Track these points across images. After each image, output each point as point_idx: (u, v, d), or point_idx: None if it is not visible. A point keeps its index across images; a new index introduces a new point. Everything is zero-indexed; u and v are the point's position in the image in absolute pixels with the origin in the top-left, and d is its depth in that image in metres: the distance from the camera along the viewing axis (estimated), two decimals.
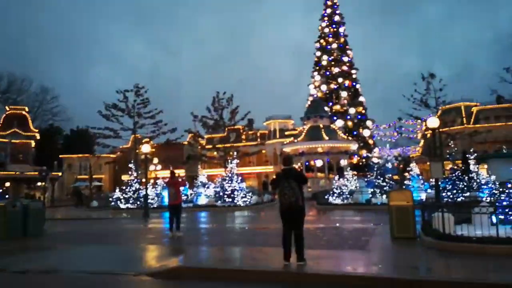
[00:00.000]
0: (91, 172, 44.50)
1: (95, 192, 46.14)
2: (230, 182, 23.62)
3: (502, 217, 9.57)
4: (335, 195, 22.42)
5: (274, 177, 7.68)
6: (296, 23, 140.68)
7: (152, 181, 28.82)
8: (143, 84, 31.04)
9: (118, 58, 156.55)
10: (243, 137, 50.61)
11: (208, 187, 27.31)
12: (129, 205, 25.35)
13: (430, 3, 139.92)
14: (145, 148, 21.73)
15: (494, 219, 9.78)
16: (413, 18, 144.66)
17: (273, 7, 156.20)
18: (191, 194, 27.49)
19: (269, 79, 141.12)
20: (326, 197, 23.30)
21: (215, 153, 36.86)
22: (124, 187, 26.42)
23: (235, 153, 31.00)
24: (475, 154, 27.74)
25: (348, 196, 22.43)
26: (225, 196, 23.52)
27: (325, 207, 21.87)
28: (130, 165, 26.60)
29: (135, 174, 26.25)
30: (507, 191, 10.34)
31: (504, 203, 9.82)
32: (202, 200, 26.04)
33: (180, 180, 13.54)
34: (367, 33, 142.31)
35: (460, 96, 45.26)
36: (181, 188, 13.30)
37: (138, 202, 25.03)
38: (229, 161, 25.18)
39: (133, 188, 25.57)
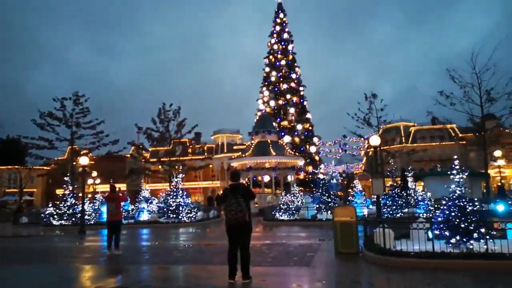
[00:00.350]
0: (22, 185, 41.23)
1: (25, 207, 42.72)
2: (175, 197, 22.87)
3: (437, 232, 9.95)
4: (282, 211, 22.47)
5: (221, 192, 7.53)
6: (251, 37, 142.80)
7: (89, 195, 27.20)
8: (85, 92, 29.60)
9: (62, 63, 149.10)
10: (190, 150, 49.77)
11: (151, 202, 26.27)
12: (63, 222, 23.62)
13: (380, 25, 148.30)
14: (83, 160, 20.45)
15: (430, 234, 10.17)
16: (363, 38, 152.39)
17: (230, 19, 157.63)
18: (132, 209, 26.29)
19: (223, 91, 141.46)
20: (273, 213, 23.28)
21: (159, 166, 35.73)
22: (58, 202, 24.62)
23: (180, 167, 30.23)
24: (413, 172, 29.32)
25: (295, 212, 22.57)
26: (169, 212, 22.70)
27: (272, 223, 21.81)
28: (66, 178, 24.94)
29: (71, 188, 24.62)
30: (441, 207, 10.80)
31: (439, 219, 10.23)
32: (145, 216, 24.95)
33: (120, 194, 12.79)
34: (319, 52, 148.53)
35: (400, 116, 47.97)
36: (122, 203, 12.56)
37: (74, 219, 23.42)
38: (174, 175, 24.42)
39: (68, 203, 23.90)
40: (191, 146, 49.13)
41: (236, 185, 7.20)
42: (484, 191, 27.57)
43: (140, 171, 39.03)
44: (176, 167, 31.45)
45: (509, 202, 20.02)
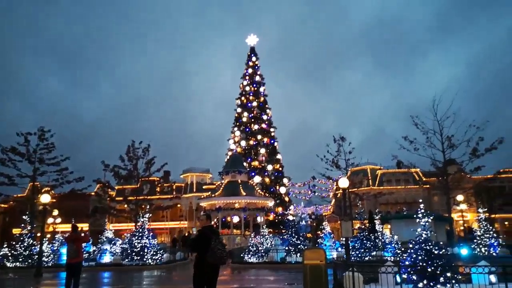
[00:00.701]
0: None
1: None
2: (140, 238, 22.01)
3: (405, 276, 10.00)
4: (251, 253, 22.02)
5: (197, 235, 7.54)
6: (228, 77, 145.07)
7: (49, 235, 25.77)
8: (53, 127, 28.68)
9: (31, 96, 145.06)
10: (158, 189, 48.68)
11: (114, 243, 25.13)
12: (18, 264, 22.10)
13: (351, 71, 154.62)
14: (45, 198, 19.52)
15: (398, 278, 10.21)
16: (335, 84, 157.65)
17: (208, 60, 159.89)
18: (94, 251, 25.02)
19: (197, 131, 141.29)
20: (241, 255, 22.77)
21: (125, 205, 34.58)
22: (14, 243, 23.12)
23: (148, 206, 29.38)
24: (380, 215, 29.74)
25: (264, 254, 22.17)
26: (134, 253, 21.74)
27: (241, 265, 21.26)
28: (25, 217, 23.62)
29: (29, 228, 23.28)
30: (408, 251, 10.93)
31: (407, 262, 10.33)
32: (107, 258, 23.75)
33: (82, 234, 12.20)
34: (292, 96, 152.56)
35: (367, 159, 49.22)
36: (83, 244, 11.95)
37: (30, 260, 21.97)
38: (141, 214, 23.64)
39: (25, 244, 22.49)
40: (159, 185, 48.11)
41: (210, 226, 7.43)
42: (448, 235, 28.22)
43: (105, 210, 37.56)
44: (143, 206, 30.54)
45: (472, 246, 20.54)
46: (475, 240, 20.80)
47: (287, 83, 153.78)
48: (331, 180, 32.92)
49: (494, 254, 19.56)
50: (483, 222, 21.01)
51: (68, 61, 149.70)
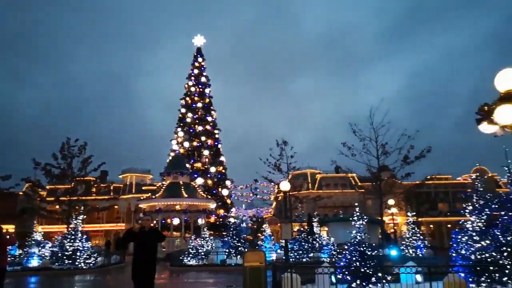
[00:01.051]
0: None
1: None
2: (72, 240, 20.82)
3: (340, 276, 10.44)
4: (190, 255, 21.72)
5: (128, 233, 7.55)
6: (177, 77, 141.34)
7: None
8: None
9: None
10: (94, 190, 46.39)
11: (43, 246, 23.57)
12: None
13: (304, 78, 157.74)
14: None
15: (333, 279, 10.63)
16: (287, 89, 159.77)
17: (159, 60, 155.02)
18: (20, 254, 23.26)
19: (142, 131, 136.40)
20: (180, 257, 22.38)
21: (57, 206, 32.50)
22: None
23: (82, 207, 27.85)
24: (318, 217, 30.77)
25: (204, 256, 21.98)
26: (65, 257, 20.51)
27: (179, 268, 20.89)
28: None
29: None
30: (344, 252, 11.43)
31: (342, 263, 10.78)
32: (35, 262, 22.17)
33: (7, 237, 11.29)
34: (243, 99, 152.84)
35: (308, 163, 50.70)
36: (8, 248, 11.07)
37: None
38: (74, 216, 22.38)
39: None
40: (95, 185, 45.84)
41: (144, 226, 7.36)
42: (380, 236, 29.91)
43: (34, 210, 35.09)
44: (77, 207, 28.89)
45: (401, 248, 21.93)
46: (403, 242, 22.24)
47: (239, 87, 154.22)
48: (272, 183, 33.47)
49: (420, 255, 21.04)
50: (411, 225, 22.55)
51: (9, 55, 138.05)
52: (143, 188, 49.27)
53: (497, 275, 9.41)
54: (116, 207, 47.86)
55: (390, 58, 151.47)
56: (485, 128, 5.04)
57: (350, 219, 11.56)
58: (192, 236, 25.40)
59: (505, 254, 9.74)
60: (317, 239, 24.72)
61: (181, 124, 44.87)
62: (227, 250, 22.45)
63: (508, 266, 9.40)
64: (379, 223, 29.49)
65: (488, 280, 9.46)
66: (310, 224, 27.12)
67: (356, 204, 13.54)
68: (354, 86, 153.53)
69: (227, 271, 19.17)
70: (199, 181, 39.85)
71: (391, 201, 30.25)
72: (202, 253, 22.02)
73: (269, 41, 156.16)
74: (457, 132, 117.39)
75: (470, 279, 9.72)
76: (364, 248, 10.47)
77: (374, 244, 12.58)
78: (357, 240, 10.66)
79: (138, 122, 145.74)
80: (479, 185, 11.50)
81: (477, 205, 10.97)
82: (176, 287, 13.62)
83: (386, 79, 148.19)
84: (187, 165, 38.59)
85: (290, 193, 30.35)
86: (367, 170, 26.90)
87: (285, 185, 17.80)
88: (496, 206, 10.90)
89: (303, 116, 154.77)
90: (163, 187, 34.64)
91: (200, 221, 34.22)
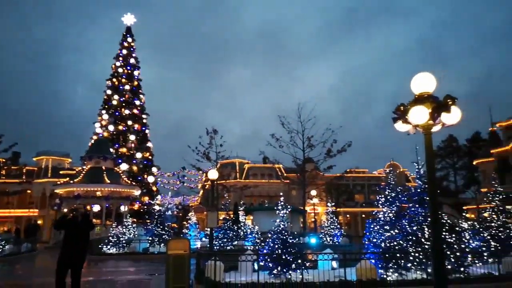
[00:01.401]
0: None
1: None
2: None
3: (262, 264, 10.77)
4: (111, 244, 20.88)
5: (62, 218, 7.65)
6: (107, 58, 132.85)
7: None
8: None
9: None
10: (3, 172, 42.38)
11: None
12: None
13: (241, 68, 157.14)
14: None
15: (256, 266, 10.93)
16: (225, 79, 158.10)
17: (90, 39, 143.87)
18: None
19: (67, 112, 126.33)
20: (99, 246, 21.40)
21: None
22: None
23: None
24: (244, 206, 31.32)
25: (125, 245, 21.26)
26: None
27: (99, 257, 19.97)
28: None
29: None
30: (267, 240, 11.80)
31: (265, 251, 11.12)
32: None
33: None
34: (181, 85, 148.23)
35: (236, 153, 51.12)
36: None
37: None
38: None
39: None
40: (5, 167, 41.90)
41: (82, 213, 7.61)
42: (301, 225, 31.32)
43: None
44: None
45: (320, 236, 23.18)
46: (322, 231, 23.53)
47: (177, 72, 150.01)
48: (200, 172, 33.31)
49: (337, 243, 22.42)
50: (330, 215, 23.90)
51: None
52: (61, 172, 46.00)
53: (402, 261, 10.38)
54: (29, 191, 44.22)
55: (325, 57, 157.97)
56: (400, 126, 5.48)
57: (275, 208, 11.94)
58: (114, 224, 24.45)
59: (411, 242, 10.76)
60: (242, 228, 25.16)
61: (106, 107, 42.49)
62: (150, 238, 21.98)
63: (413, 253, 10.40)
64: (302, 213, 30.88)
65: (395, 266, 10.40)
66: (236, 212, 27.50)
67: (281, 194, 14.01)
68: (289, 81, 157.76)
69: (149, 259, 18.78)
70: (124, 166, 38.25)
71: (313, 192, 31.76)
72: (124, 241, 21.29)
73: (209, 30, 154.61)
74: (378, 129, 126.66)
75: (380, 265, 10.60)
76: (286, 236, 10.89)
77: (296, 233, 13.15)
78: (280, 228, 11.04)
79: (62, 102, 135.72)
80: (391, 179, 12.54)
81: (389, 197, 11.96)
82: (94, 276, 13.03)
83: (319, 76, 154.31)
84: (111, 150, 36.81)
85: (218, 181, 30.46)
86: (293, 162, 27.94)
87: (213, 174, 17.74)
88: (405, 198, 11.98)
89: (237, 107, 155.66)
90: (83, 172, 32.72)
91: (123, 208, 32.96)
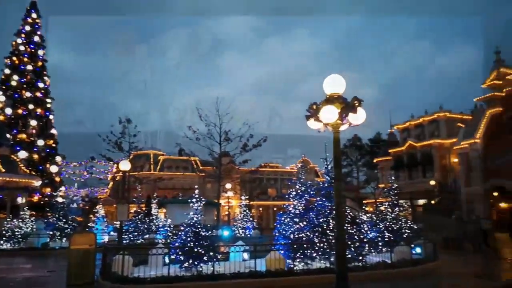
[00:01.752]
0: None
1: None
2: None
3: (173, 257, 10.62)
4: (4, 238, 18.88)
5: None
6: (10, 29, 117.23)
7: None
8: None
9: None
10: None
11: None
12: None
13: (168, 58, 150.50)
14: None
15: (167, 259, 10.75)
16: (147, 66, 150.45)
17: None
18: None
19: None
20: None
21: None
22: None
23: None
24: (157, 199, 30.49)
25: (21, 239, 19.39)
26: None
27: None
28: None
29: None
30: (179, 233, 11.65)
31: (176, 244, 10.97)
32: None
33: None
34: (99, 69, 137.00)
35: (151, 144, 49.46)
36: None
37: None
38: None
39: None
40: None
41: None
42: (215, 218, 31.48)
43: None
44: None
45: (233, 229, 23.56)
46: (235, 224, 23.95)
47: (98, 57, 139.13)
48: (111, 162, 31.60)
49: (249, 235, 22.97)
50: (244, 208, 24.39)
51: None
52: None
53: (309, 251, 11.01)
54: None
55: (255, 52, 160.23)
56: (312, 124, 5.79)
57: (189, 201, 11.82)
58: (9, 217, 22.16)
59: (317, 233, 11.46)
60: (154, 221, 24.50)
61: (4, 87, 38.09)
62: (51, 233, 20.35)
63: (318, 244, 11.09)
64: (216, 206, 30.98)
65: (302, 256, 10.99)
66: (149, 205, 26.68)
67: (196, 186, 13.92)
68: (216, 74, 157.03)
69: (49, 255, 17.40)
70: (22, 154, 34.69)
71: (228, 185, 32.06)
72: (19, 236, 19.41)
73: (133, 14, 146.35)
74: (295, 125, 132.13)
75: (288, 256, 11.11)
76: (199, 229, 10.86)
77: (209, 225, 13.17)
78: (193, 221, 10.97)
79: None
80: (302, 174, 13.20)
81: (299, 191, 12.57)
82: None
83: (244, 71, 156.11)
84: (8, 135, 33.21)
85: (130, 173, 29.17)
86: (209, 155, 27.88)
87: (124, 165, 16.99)
88: (313, 192, 12.71)
89: (160, 96, 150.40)
90: None
91: (20, 200, 29.96)
